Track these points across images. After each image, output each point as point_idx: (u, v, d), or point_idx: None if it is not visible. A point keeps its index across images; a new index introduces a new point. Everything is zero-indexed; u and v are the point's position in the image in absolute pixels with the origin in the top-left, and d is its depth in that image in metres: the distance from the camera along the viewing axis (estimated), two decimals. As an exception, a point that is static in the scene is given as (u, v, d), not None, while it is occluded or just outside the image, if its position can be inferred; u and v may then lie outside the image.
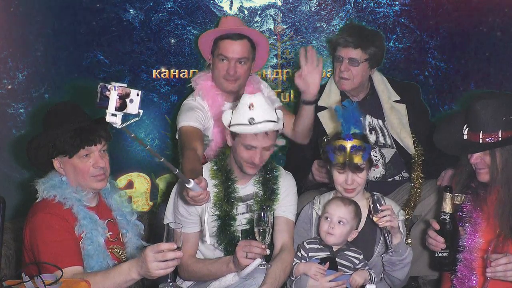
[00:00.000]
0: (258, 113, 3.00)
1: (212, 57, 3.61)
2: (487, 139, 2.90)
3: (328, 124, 3.72)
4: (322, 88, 3.85)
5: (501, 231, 2.89)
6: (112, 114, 2.42)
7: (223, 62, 3.54)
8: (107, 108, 2.42)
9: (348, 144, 3.09)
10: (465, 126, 2.98)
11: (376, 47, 3.70)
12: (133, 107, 2.43)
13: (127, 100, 2.42)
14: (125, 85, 2.43)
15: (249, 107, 3.01)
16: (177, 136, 3.49)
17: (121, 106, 2.41)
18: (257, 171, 3.16)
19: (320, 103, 3.77)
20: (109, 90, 2.41)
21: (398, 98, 3.79)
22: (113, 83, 2.42)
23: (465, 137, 2.98)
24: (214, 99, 3.56)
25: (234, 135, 3.08)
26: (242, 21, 3.87)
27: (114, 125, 2.44)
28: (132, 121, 2.47)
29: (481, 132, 2.90)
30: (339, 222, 3.05)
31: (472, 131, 2.94)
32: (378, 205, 3.01)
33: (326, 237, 3.06)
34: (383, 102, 3.78)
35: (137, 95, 2.43)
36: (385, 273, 3.14)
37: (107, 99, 2.42)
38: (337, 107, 3.19)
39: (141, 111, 2.45)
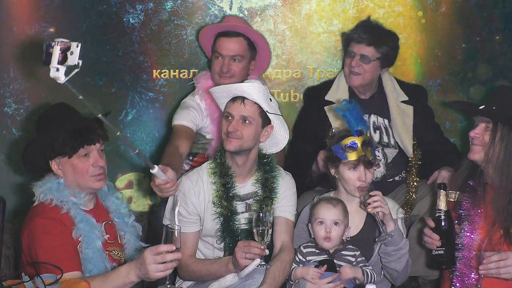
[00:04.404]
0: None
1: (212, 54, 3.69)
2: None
3: (335, 118, 3.71)
4: (330, 83, 3.86)
5: (495, 221, 2.88)
6: (56, 70, 2.42)
7: (218, 59, 3.62)
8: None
9: (360, 140, 3.09)
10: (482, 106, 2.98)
11: (389, 47, 3.69)
12: (73, 58, 2.40)
13: (68, 53, 2.41)
14: (68, 40, 2.43)
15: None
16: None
17: (63, 60, 2.41)
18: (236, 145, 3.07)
19: (327, 98, 3.79)
20: (53, 47, 2.42)
21: (406, 98, 3.80)
22: (57, 39, 2.43)
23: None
24: (212, 99, 3.57)
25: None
26: (243, 20, 3.89)
27: (57, 81, 2.42)
28: (72, 74, 2.44)
29: (495, 108, 2.90)
30: (335, 224, 3.04)
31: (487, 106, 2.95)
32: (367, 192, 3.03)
33: (323, 243, 3.05)
34: (390, 101, 3.78)
35: (77, 46, 2.41)
36: (383, 266, 3.14)
37: (51, 55, 2.42)
38: (336, 108, 3.20)
39: (80, 62, 2.41)
